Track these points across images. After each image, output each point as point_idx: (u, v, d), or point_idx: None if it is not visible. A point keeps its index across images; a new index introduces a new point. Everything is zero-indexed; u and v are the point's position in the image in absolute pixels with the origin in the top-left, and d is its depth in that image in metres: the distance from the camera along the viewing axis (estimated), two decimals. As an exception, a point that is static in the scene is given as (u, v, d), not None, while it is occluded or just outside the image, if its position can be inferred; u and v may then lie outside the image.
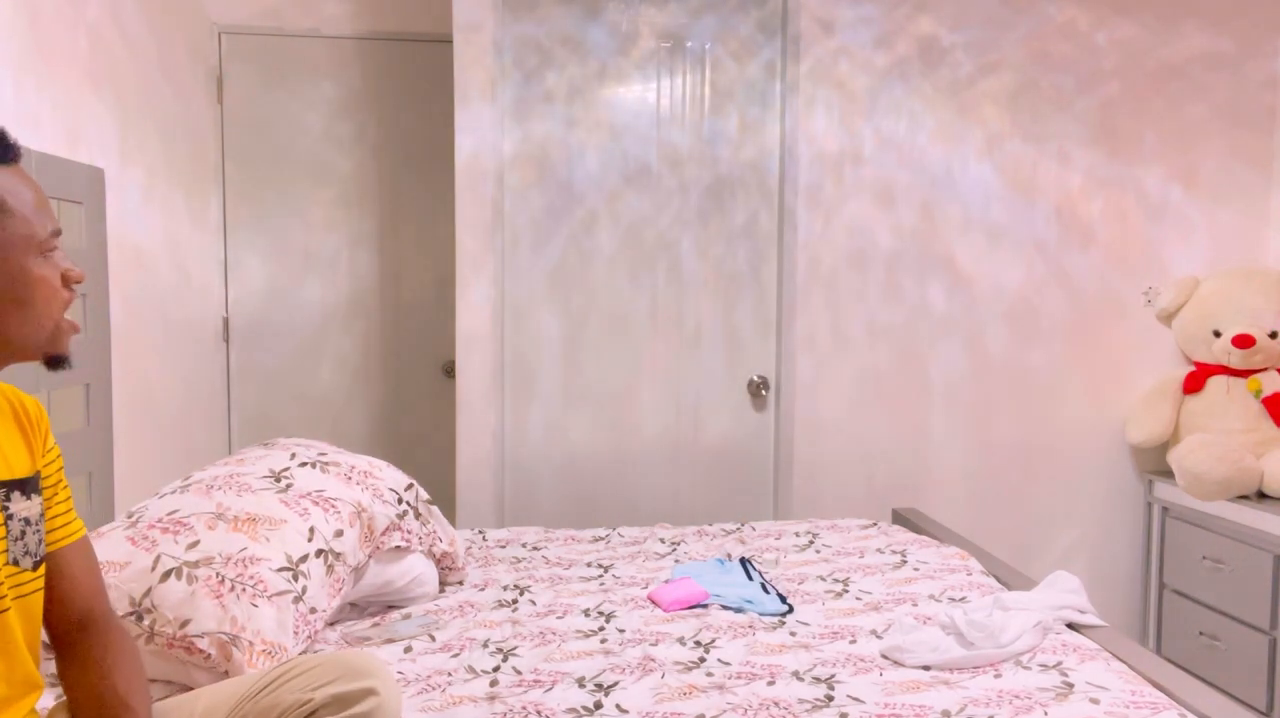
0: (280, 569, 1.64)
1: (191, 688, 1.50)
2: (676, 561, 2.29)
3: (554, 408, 3.04)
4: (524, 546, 2.43)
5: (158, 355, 2.81)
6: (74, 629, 1.23)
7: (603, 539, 2.50)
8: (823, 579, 2.14)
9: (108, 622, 1.27)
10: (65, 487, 1.27)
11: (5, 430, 1.18)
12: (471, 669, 1.64)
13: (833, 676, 1.62)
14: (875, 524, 2.59)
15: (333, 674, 1.21)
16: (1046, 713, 1.46)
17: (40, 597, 1.17)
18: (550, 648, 1.73)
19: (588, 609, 1.93)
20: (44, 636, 1.23)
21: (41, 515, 1.19)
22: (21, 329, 1.09)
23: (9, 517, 1.12)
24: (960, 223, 3.06)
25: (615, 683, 1.58)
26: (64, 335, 1.14)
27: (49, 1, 2.22)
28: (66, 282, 1.14)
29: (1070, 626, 1.85)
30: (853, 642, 1.77)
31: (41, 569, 1.17)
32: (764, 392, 3.08)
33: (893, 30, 3.01)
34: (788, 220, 3.02)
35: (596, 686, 1.57)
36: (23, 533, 1.14)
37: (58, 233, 1.13)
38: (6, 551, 1.11)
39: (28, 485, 1.17)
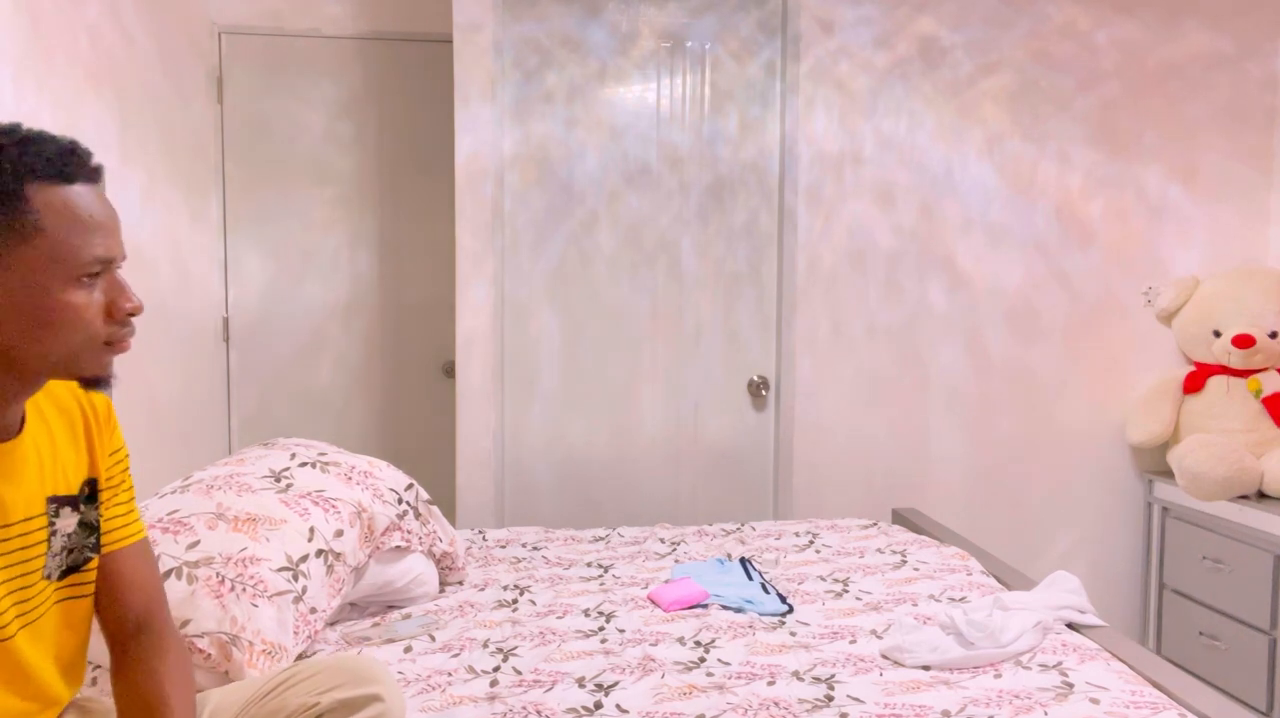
0: (280, 569, 1.64)
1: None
2: (676, 561, 2.29)
3: (554, 408, 3.04)
4: (524, 546, 2.43)
5: (157, 355, 2.80)
6: (129, 634, 1.21)
7: (603, 539, 2.50)
8: (823, 579, 2.14)
9: (165, 628, 1.23)
10: (128, 488, 1.23)
11: (65, 440, 1.15)
12: (471, 669, 1.64)
13: (833, 676, 1.62)
14: (875, 524, 2.60)
15: (339, 680, 1.21)
16: (1046, 713, 1.46)
17: (81, 604, 1.16)
18: (550, 648, 1.73)
19: (588, 609, 1.93)
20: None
21: (93, 526, 1.17)
22: (39, 352, 1.00)
23: (53, 533, 1.11)
24: (960, 223, 3.06)
25: (615, 683, 1.58)
26: (95, 358, 1.04)
27: (49, 1, 2.22)
28: (114, 313, 1.03)
29: (1070, 626, 1.85)
30: (853, 642, 1.77)
31: (70, 579, 1.14)
32: (764, 392, 3.08)
33: (893, 30, 3.01)
34: (788, 220, 3.02)
35: (596, 686, 1.57)
36: (63, 548, 1.13)
37: (108, 260, 1.03)
38: (44, 567, 1.09)
39: (79, 499, 1.15)
